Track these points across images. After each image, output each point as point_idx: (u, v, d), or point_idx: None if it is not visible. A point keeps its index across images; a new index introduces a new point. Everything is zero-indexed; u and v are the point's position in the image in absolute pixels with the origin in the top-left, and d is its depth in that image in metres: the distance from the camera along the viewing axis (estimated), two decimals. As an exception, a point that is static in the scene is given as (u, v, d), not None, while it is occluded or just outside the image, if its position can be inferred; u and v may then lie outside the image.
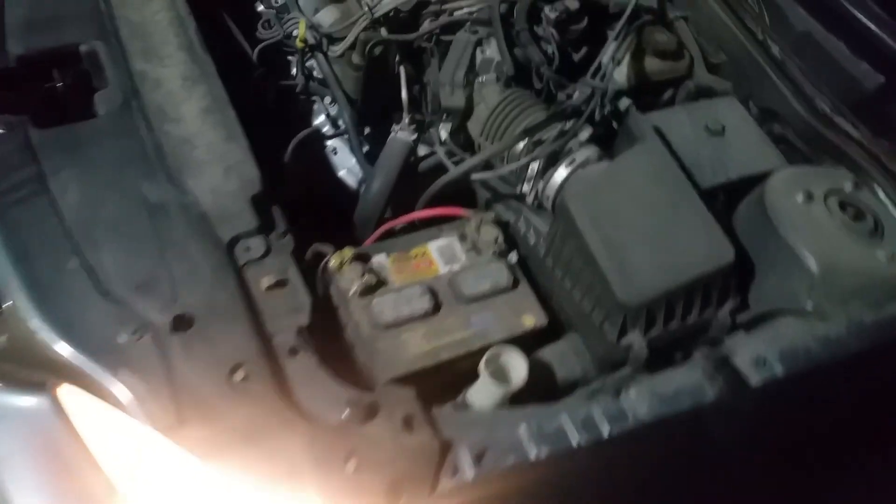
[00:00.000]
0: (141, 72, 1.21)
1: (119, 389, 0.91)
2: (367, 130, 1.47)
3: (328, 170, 1.44)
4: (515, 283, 1.17)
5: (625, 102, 1.40)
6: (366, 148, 1.47)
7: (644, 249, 1.09)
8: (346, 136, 1.42)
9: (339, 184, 1.43)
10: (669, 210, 1.15)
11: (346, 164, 1.45)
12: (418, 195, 1.34)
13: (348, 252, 1.09)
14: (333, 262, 1.08)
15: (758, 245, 1.19)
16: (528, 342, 1.13)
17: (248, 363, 0.96)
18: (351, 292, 1.08)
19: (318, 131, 1.38)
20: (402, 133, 1.35)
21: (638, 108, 1.37)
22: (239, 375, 0.95)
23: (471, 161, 1.18)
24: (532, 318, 1.14)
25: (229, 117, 1.16)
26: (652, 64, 1.41)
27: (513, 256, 1.18)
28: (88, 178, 1.08)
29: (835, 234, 1.16)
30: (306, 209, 1.33)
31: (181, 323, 0.99)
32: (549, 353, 1.16)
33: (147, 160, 1.12)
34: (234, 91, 1.23)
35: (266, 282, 1.05)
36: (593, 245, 1.07)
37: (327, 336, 1.09)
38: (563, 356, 1.16)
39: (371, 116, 1.44)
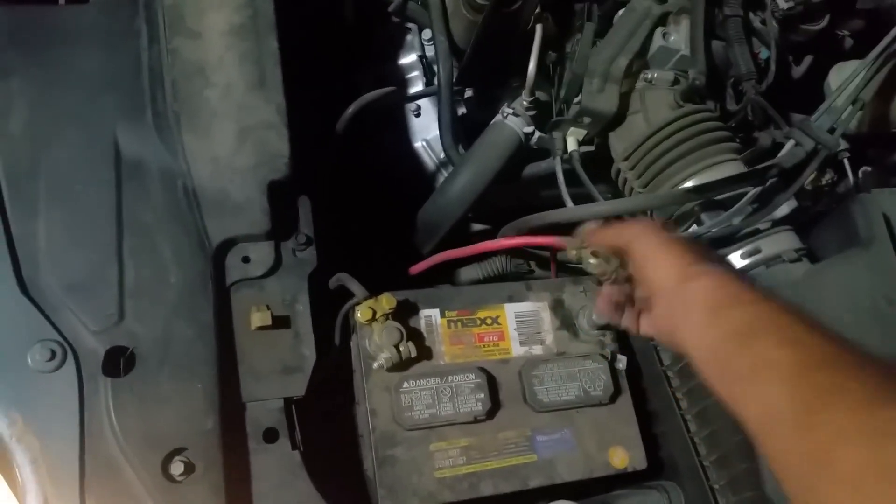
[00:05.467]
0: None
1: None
2: (468, 93, 1.05)
3: (399, 136, 1.04)
4: (614, 397, 0.80)
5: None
6: (462, 110, 1.07)
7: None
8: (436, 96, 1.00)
9: (411, 160, 1.03)
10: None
11: (427, 134, 1.04)
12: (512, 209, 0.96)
13: (386, 302, 0.73)
14: (361, 314, 0.72)
15: None
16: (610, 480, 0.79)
17: (193, 449, 0.64)
18: (376, 364, 0.73)
19: (395, 91, 0.96)
20: (512, 119, 0.94)
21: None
22: (177, 468, 0.64)
23: (599, 208, 0.78)
24: (625, 457, 0.79)
25: (268, 49, 0.77)
26: (904, 108, 0.93)
27: (622, 361, 0.81)
28: (45, 97, 0.73)
29: None
30: (352, 193, 0.96)
31: (117, 360, 0.66)
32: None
33: (135, 87, 0.76)
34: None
35: (259, 319, 0.70)
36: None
37: (331, 414, 0.76)
38: (650, 514, 0.80)
39: (480, 74, 1.02)
